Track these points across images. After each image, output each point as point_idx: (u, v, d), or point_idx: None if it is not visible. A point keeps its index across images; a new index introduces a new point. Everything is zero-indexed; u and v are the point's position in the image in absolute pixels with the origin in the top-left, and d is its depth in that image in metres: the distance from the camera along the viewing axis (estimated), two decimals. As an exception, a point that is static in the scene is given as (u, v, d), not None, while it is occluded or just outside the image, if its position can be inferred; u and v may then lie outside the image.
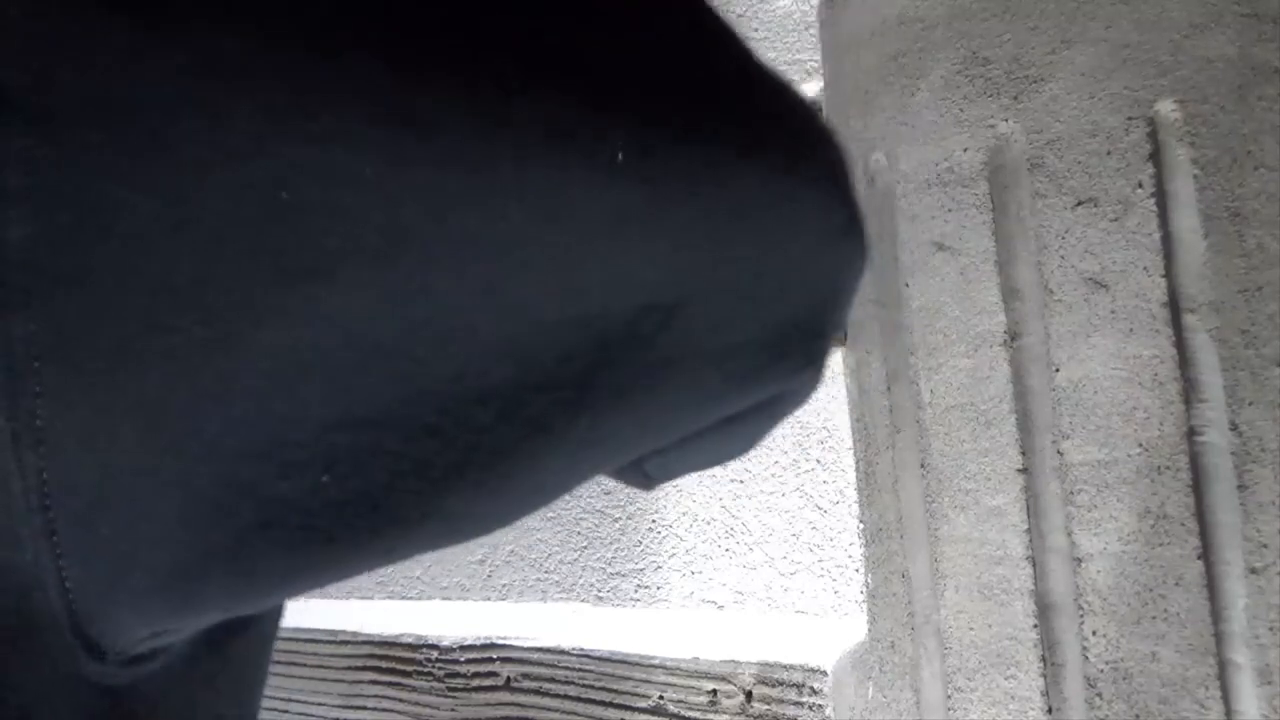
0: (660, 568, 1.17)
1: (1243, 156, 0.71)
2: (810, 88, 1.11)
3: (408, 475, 0.26)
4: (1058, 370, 0.77)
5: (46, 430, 0.22)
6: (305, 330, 0.23)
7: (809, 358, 0.33)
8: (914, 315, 0.85)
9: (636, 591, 1.19)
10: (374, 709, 1.28)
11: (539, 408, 0.27)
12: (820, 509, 1.08)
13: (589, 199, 0.25)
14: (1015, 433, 0.79)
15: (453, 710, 1.21)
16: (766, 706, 0.99)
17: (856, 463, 0.96)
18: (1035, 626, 0.78)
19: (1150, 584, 0.73)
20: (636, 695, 1.06)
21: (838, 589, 1.07)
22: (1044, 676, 0.78)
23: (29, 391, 0.22)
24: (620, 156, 0.25)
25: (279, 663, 1.33)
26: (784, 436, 1.11)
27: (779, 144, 0.30)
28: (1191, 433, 0.72)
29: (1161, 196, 0.73)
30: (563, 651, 1.13)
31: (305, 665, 1.33)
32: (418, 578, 1.36)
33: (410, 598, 1.37)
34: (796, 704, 0.97)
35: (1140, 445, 0.74)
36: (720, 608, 1.13)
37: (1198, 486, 0.72)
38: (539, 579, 1.26)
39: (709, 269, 0.28)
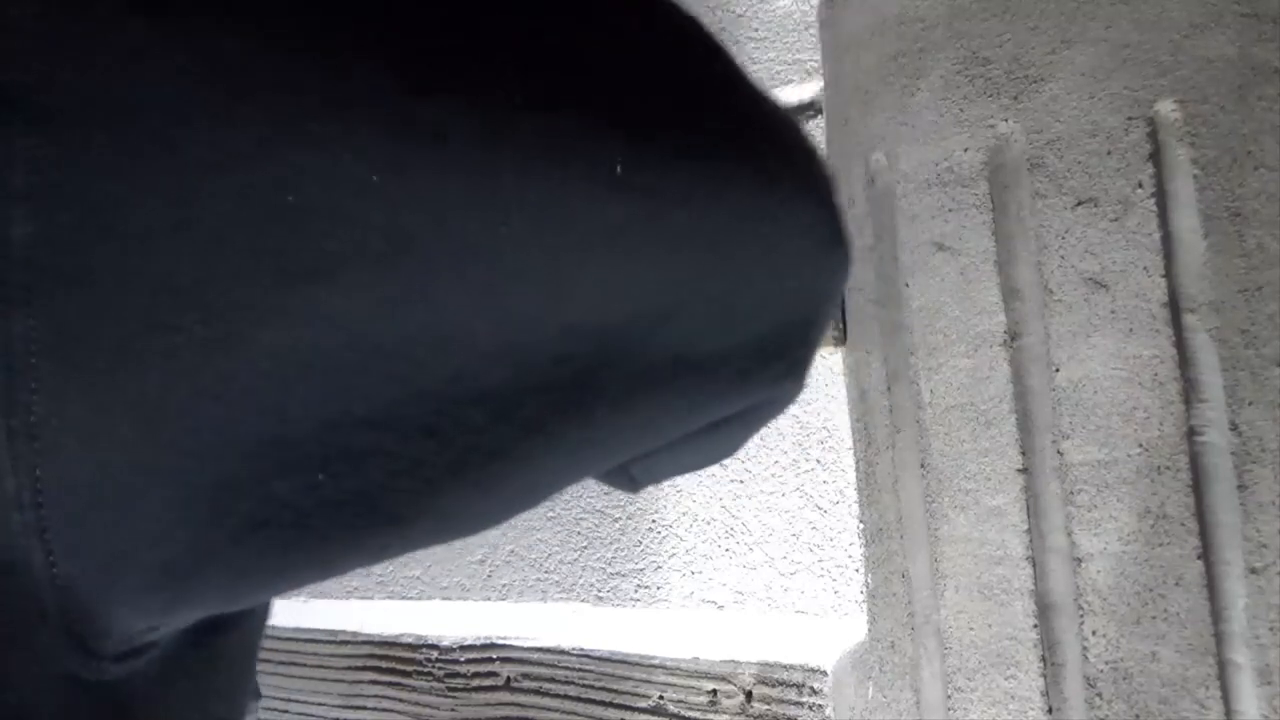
0: (660, 568, 1.17)
1: (1243, 156, 0.71)
2: (810, 88, 1.11)
3: (404, 475, 0.26)
4: (1058, 370, 0.77)
5: (41, 427, 0.22)
6: (305, 331, 0.24)
7: (791, 366, 0.34)
8: (914, 315, 0.85)
9: (636, 591, 1.19)
10: (374, 709, 1.28)
11: (535, 409, 0.27)
12: (820, 509, 1.08)
13: (589, 210, 0.26)
14: (1015, 433, 0.79)
15: (453, 710, 1.21)
16: (766, 706, 0.99)
17: (856, 463, 0.96)
18: (1035, 626, 0.78)
19: (1150, 584, 0.73)
20: (636, 695, 1.06)
21: (838, 589, 1.07)
22: (1044, 676, 0.78)
23: (25, 387, 0.22)
24: (619, 169, 0.26)
25: (279, 663, 1.33)
26: (784, 436, 1.11)
27: (769, 156, 0.30)
28: (1191, 433, 0.72)
29: (1161, 196, 0.73)
30: (563, 651, 1.13)
31: (305, 665, 1.33)
32: (418, 578, 1.36)
33: (410, 598, 1.37)
34: (796, 704, 0.97)
35: (1140, 445, 0.74)
36: (720, 608, 1.13)
37: (1198, 486, 0.72)
38: (539, 579, 1.26)
39: (701, 278, 0.29)
